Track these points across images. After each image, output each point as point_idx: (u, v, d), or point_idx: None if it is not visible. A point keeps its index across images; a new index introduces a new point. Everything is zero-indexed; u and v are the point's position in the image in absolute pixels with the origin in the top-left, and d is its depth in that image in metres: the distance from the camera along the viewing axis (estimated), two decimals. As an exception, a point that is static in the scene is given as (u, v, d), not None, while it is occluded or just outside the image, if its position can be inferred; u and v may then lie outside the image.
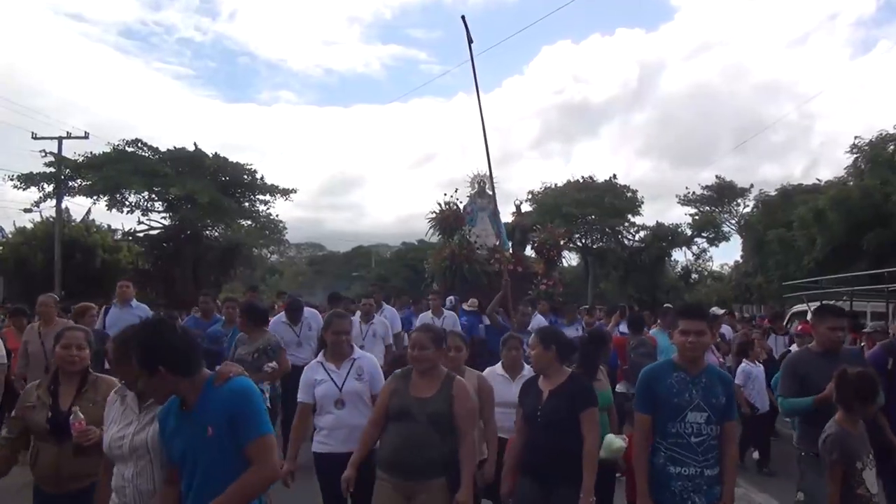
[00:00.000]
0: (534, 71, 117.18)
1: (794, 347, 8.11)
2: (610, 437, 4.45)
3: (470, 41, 7.38)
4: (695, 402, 3.48)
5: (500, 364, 5.32)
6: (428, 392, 3.81)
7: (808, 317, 14.97)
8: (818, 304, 15.10)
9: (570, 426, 3.80)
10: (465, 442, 3.74)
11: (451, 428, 3.74)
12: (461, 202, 14.60)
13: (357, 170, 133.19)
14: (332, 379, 4.41)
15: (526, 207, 26.71)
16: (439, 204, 14.23)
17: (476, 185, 14.71)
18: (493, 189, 8.02)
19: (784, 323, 14.07)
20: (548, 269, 14.51)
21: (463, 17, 7.40)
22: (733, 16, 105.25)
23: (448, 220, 14.07)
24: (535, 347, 4.03)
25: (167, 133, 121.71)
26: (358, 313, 8.88)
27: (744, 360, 7.95)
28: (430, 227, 14.34)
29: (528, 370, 5.15)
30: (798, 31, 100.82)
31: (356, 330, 8.27)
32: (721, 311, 13.63)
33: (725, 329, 11.31)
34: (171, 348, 2.58)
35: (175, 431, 2.68)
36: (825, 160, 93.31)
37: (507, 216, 17.16)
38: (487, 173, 14.58)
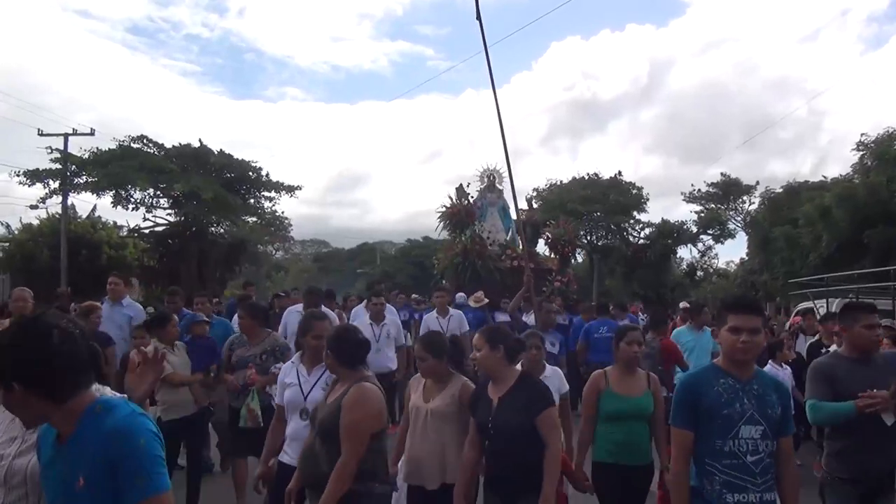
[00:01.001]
0: (543, 67, 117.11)
1: (833, 348, 7.68)
2: None
3: (479, 17, 7.07)
4: (748, 413, 2.94)
5: (518, 365, 5.05)
6: (332, 396, 3.49)
7: (819, 315, 14.93)
8: (824, 301, 15.08)
9: (526, 433, 3.44)
10: (341, 459, 3.24)
11: (339, 441, 3.31)
12: (472, 197, 14.35)
13: (363, 167, 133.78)
14: (300, 384, 4.11)
15: (532, 204, 26.48)
16: (450, 198, 14.01)
17: (486, 180, 14.41)
18: (511, 181, 7.60)
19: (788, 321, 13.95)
20: (562, 266, 14.18)
21: None
22: (744, 11, 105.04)
23: (458, 214, 13.76)
24: (482, 348, 3.65)
25: (174, 130, 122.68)
26: (363, 312, 8.40)
27: (770, 361, 7.43)
28: (440, 223, 14.03)
29: (549, 370, 4.98)
30: (809, 27, 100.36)
31: (368, 332, 7.45)
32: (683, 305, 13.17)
33: None
34: (31, 361, 1.92)
35: (49, 464, 2.08)
36: (835, 157, 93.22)
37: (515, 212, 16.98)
38: (496, 167, 14.49)
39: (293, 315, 7.30)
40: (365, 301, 8.61)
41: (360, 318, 8.29)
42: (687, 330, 8.30)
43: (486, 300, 10.86)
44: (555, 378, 4.98)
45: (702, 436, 2.98)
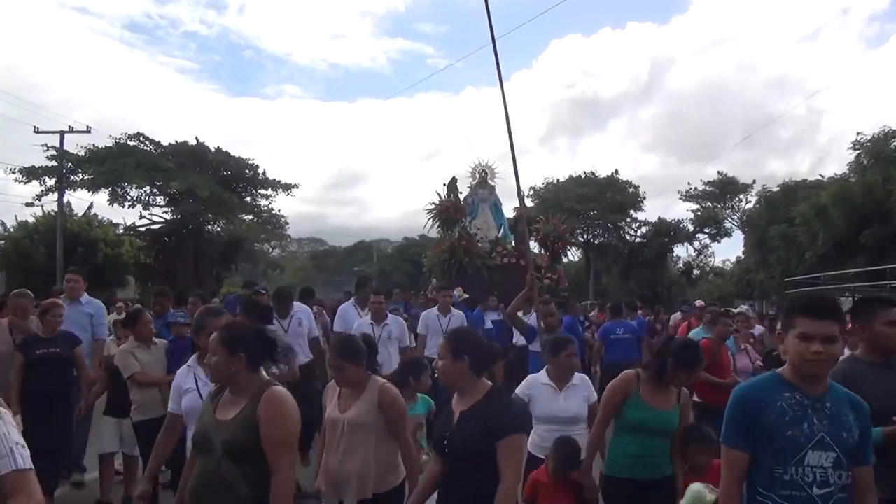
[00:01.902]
0: (543, 65, 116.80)
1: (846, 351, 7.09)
2: (697, 489, 3.40)
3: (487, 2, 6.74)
4: (817, 436, 2.43)
5: (544, 371, 4.59)
6: (232, 411, 2.92)
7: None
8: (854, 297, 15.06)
9: (485, 459, 2.90)
10: (275, 480, 2.81)
11: (259, 461, 2.84)
12: (462, 193, 14.12)
13: (362, 165, 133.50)
14: (198, 389, 3.71)
15: (527, 203, 26.25)
16: (439, 194, 13.80)
17: (477, 176, 14.14)
18: (517, 175, 7.10)
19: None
20: (552, 263, 13.83)
21: None
22: (746, 10, 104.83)
23: (447, 211, 13.51)
24: (444, 357, 3.09)
25: (171, 127, 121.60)
26: (352, 311, 7.93)
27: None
28: (429, 219, 13.78)
29: (577, 378, 4.55)
30: (810, 25, 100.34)
31: (368, 332, 6.69)
32: (699, 303, 12.25)
33: (759, 328, 9.98)
34: None
35: None
36: (834, 155, 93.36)
37: (510, 211, 16.68)
38: (489, 163, 14.37)
39: None
40: (353, 298, 8.22)
41: (348, 316, 7.88)
42: (703, 332, 7.48)
43: (466, 295, 10.70)
44: (583, 386, 4.57)
45: (757, 460, 2.49)
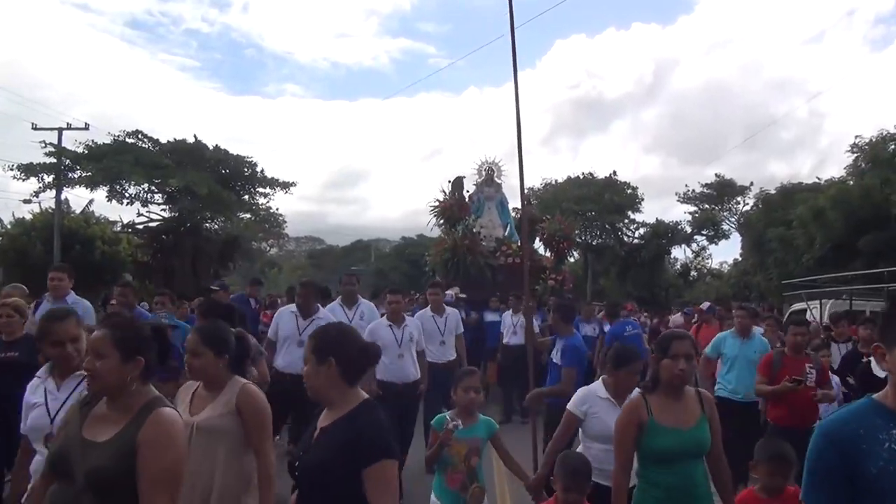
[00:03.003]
0: (546, 65, 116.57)
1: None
2: None
3: None
4: None
5: (600, 383, 4.12)
6: (107, 431, 2.33)
7: (808, 315, 14.99)
8: (818, 302, 15.15)
9: (344, 488, 2.36)
10: None
11: (128, 496, 2.25)
12: (467, 192, 13.91)
13: (363, 164, 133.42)
14: (46, 404, 3.12)
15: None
16: (443, 192, 13.59)
17: (483, 174, 13.90)
18: (521, 172, 6.84)
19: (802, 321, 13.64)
20: (557, 263, 13.65)
21: None
22: (750, 11, 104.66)
23: (451, 209, 13.27)
24: (308, 361, 2.55)
25: (171, 125, 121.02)
26: (339, 310, 7.42)
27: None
28: (433, 217, 13.53)
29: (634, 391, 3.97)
30: (815, 27, 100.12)
31: (390, 336, 6.58)
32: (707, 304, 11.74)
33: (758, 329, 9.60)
34: None
35: None
36: (836, 158, 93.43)
37: (513, 211, 16.61)
38: (495, 160, 14.27)
39: (285, 316, 6.44)
40: (339, 297, 7.79)
41: (336, 316, 6.98)
42: (731, 336, 6.86)
43: (463, 295, 10.63)
44: None
45: None
